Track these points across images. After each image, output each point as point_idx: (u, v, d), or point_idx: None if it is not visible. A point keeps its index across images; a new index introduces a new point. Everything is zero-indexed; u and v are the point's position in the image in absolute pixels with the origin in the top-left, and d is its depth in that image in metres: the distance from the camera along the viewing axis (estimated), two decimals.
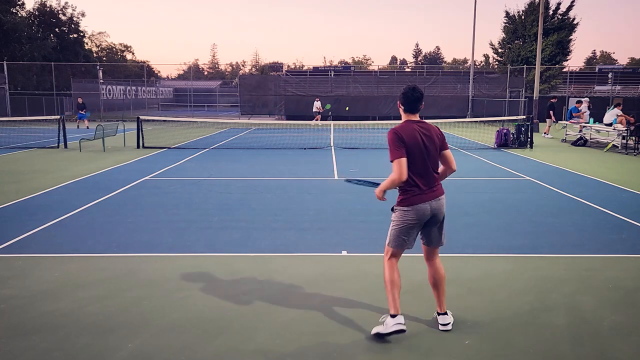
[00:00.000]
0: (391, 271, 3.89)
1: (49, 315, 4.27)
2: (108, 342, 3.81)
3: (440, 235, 3.97)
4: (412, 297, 4.65)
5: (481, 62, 75.17)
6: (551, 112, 21.69)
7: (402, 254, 3.99)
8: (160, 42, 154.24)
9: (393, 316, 3.79)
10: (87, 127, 24.76)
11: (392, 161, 3.72)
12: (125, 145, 17.11)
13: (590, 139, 18.27)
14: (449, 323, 4.00)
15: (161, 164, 12.86)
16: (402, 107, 3.85)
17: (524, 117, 19.00)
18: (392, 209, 3.93)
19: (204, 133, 22.81)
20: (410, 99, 3.80)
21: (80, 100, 26.64)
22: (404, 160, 3.68)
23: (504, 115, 27.28)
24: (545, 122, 22.22)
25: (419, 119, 3.87)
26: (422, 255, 4.11)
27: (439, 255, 4.10)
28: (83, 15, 54.89)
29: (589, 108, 20.54)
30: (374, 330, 3.86)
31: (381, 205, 8.46)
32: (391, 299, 3.82)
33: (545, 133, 21.72)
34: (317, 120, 27.55)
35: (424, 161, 3.76)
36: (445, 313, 4.04)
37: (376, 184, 3.95)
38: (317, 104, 28.94)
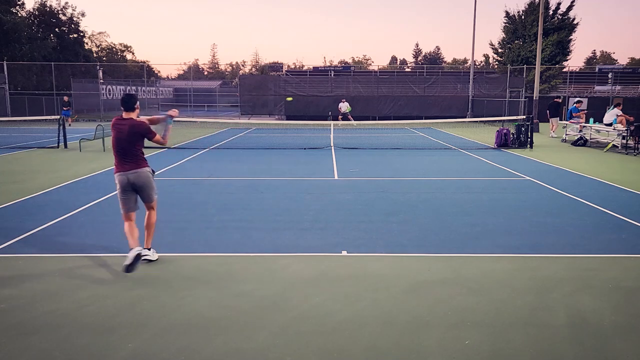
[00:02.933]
0: (126, 225, 5.37)
1: (49, 315, 4.27)
2: (108, 342, 3.81)
3: (148, 197, 5.56)
4: (412, 297, 4.65)
5: (481, 62, 75.25)
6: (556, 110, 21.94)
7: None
8: (160, 42, 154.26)
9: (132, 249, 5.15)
10: (69, 125, 26.04)
11: None
12: None
13: (590, 139, 18.27)
14: (147, 255, 5.43)
15: (161, 164, 12.85)
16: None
17: (524, 117, 19.00)
18: None
19: (204, 133, 22.81)
20: (122, 102, 5.42)
21: (66, 98, 28.40)
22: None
23: (504, 115, 27.28)
24: (549, 121, 22.34)
25: (129, 116, 5.41)
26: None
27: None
28: (83, 15, 54.80)
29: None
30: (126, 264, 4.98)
31: (381, 205, 8.46)
32: (131, 240, 5.23)
33: (552, 132, 21.78)
34: (340, 120, 27.79)
35: (117, 145, 5.38)
36: (149, 249, 5.52)
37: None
38: (342, 105, 29.01)
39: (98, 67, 41.57)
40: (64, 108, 27.60)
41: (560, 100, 22.63)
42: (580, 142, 18.11)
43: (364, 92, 34.08)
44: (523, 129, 17.38)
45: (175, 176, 11.23)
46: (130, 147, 5.39)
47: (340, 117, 28.73)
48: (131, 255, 5.01)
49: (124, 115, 5.45)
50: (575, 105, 20.35)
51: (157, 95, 55.25)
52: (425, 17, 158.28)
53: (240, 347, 3.75)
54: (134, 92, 6.89)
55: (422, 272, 5.30)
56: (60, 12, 47.46)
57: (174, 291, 4.76)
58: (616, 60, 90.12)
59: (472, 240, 6.40)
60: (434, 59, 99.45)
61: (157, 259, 5.54)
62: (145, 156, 5.62)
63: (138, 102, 5.60)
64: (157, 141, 5.58)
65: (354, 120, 27.50)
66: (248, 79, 41.91)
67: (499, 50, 43.37)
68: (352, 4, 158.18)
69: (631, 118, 16.30)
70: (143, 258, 5.30)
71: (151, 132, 5.47)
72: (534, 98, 23.38)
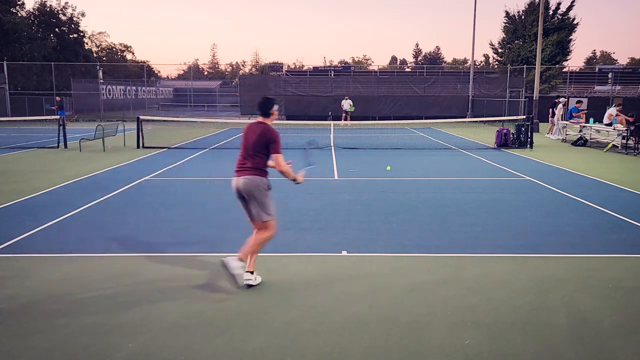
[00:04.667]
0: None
1: (49, 315, 4.27)
2: (108, 342, 3.81)
3: (255, 212, 4.99)
4: (411, 297, 4.65)
5: (481, 62, 75.22)
6: (551, 110, 22.04)
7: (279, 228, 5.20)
8: (160, 42, 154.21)
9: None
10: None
11: None
12: (125, 145, 17.10)
13: (590, 139, 18.27)
14: (249, 280, 4.84)
15: (161, 164, 12.85)
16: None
17: (524, 117, 19.00)
18: None
19: (204, 133, 22.80)
20: (258, 106, 4.97)
21: (58, 98, 28.02)
22: None
23: (504, 115, 27.28)
24: (549, 121, 22.40)
25: (262, 120, 4.95)
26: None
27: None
28: (83, 15, 54.57)
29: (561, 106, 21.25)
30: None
31: (381, 205, 8.45)
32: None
33: (549, 132, 21.84)
34: (345, 120, 27.72)
35: (242, 150, 4.95)
36: (251, 272, 4.88)
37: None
38: (345, 103, 28.92)
39: (98, 67, 41.56)
40: (59, 109, 27.54)
41: (558, 101, 22.72)
42: (580, 142, 18.11)
43: (364, 92, 34.06)
44: (523, 129, 17.38)
45: (175, 176, 11.23)
46: (254, 153, 4.84)
47: (343, 115, 28.63)
48: (230, 265, 4.76)
49: (260, 119, 4.95)
50: (575, 105, 20.39)
51: (157, 95, 55.32)
52: (425, 17, 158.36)
53: (240, 347, 3.75)
54: (271, 97, 5.81)
55: (422, 272, 5.30)
56: (60, 12, 47.44)
57: (174, 291, 4.76)
58: (616, 60, 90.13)
59: (472, 240, 6.40)
60: (434, 59, 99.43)
61: (258, 283, 4.93)
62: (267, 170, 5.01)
63: (276, 107, 4.99)
64: (280, 163, 4.91)
65: (352, 120, 27.51)
66: (248, 79, 41.92)
67: (499, 50, 43.37)
68: (352, 4, 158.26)
69: (631, 118, 16.28)
70: (245, 282, 4.83)
71: (277, 144, 4.79)
72: (534, 98, 23.38)
